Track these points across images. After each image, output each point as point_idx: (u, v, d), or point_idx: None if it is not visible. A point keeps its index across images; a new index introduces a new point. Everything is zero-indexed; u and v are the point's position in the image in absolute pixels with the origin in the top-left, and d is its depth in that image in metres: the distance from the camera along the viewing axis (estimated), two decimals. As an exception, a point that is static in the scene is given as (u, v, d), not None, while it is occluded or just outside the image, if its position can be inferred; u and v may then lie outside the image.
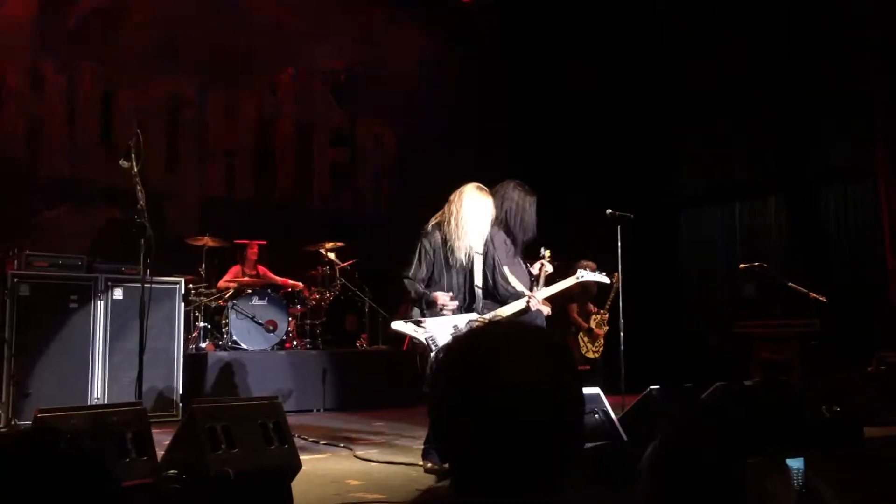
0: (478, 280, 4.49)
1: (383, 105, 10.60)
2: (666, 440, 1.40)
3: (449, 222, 4.42)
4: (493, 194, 4.83)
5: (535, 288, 4.73)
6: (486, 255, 4.54)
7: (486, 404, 1.11)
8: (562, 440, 1.14)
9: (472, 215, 4.40)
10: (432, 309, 4.35)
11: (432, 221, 4.52)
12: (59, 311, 6.04)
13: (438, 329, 4.34)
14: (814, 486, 2.63)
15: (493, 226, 4.72)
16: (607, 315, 7.75)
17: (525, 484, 1.11)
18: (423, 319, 4.37)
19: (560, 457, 1.13)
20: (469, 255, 4.45)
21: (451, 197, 4.49)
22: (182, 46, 9.17)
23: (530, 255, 4.95)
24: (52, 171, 8.30)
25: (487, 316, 4.43)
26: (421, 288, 4.39)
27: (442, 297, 4.33)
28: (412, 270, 4.40)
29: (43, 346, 5.93)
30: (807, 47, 8.66)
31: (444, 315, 4.36)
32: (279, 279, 8.23)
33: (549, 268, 4.83)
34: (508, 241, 4.79)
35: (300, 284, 8.26)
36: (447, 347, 1.22)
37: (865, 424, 4.74)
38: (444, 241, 4.42)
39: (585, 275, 4.72)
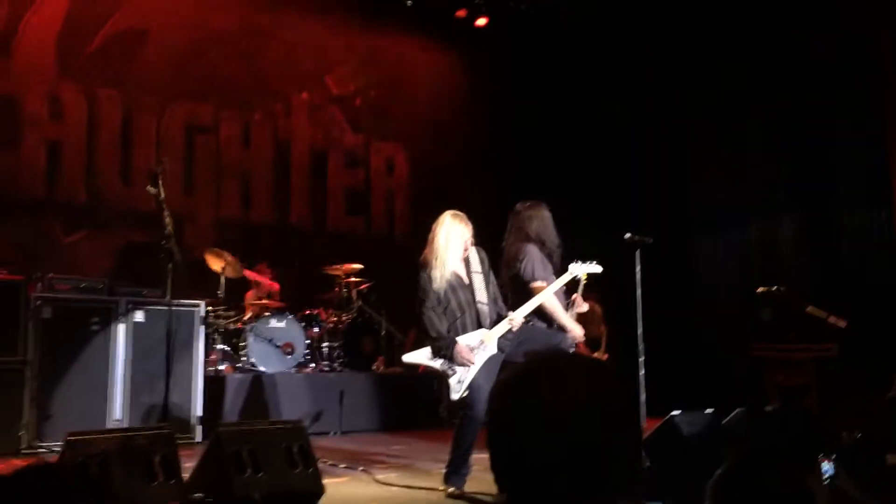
0: (480, 297, 4.57)
1: (397, 128, 10.71)
2: (734, 465, 1.44)
3: (431, 250, 4.57)
4: (512, 221, 4.92)
5: (570, 309, 4.81)
6: (485, 273, 4.66)
7: (546, 434, 1.15)
8: (619, 464, 1.18)
9: (445, 242, 4.54)
10: (452, 359, 4.40)
11: (424, 252, 4.64)
12: (80, 333, 6.08)
13: None
14: (843, 485, 2.66)
15: (527, 243, 4.81)
16: (606, 355, 7.80)
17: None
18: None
19: (617, 480, 1.17)
20: (456, 276, 4.55)
21: (433, 226, 4.64)
22: (198, 71, 9.31)
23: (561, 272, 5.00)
24: (70, 196, 8.39)
25: (478, 332, 4.48)
26: (443, 329, 4.46)
27: (466, 354, 4.40)
28: (427, 302, 4.49)
29: (64, 369, 5.98)
30: (826, 73, 8.71)
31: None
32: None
33: (583, 306, 4.90)
34: (544, 258, 4.86)
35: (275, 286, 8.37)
36: (505, 380, 1.26)
37: (887, 451, 4.72)
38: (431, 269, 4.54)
39: (576, 268, 4.77)
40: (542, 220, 4.95)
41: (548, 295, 4.66)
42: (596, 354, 7.60)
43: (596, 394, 1.19)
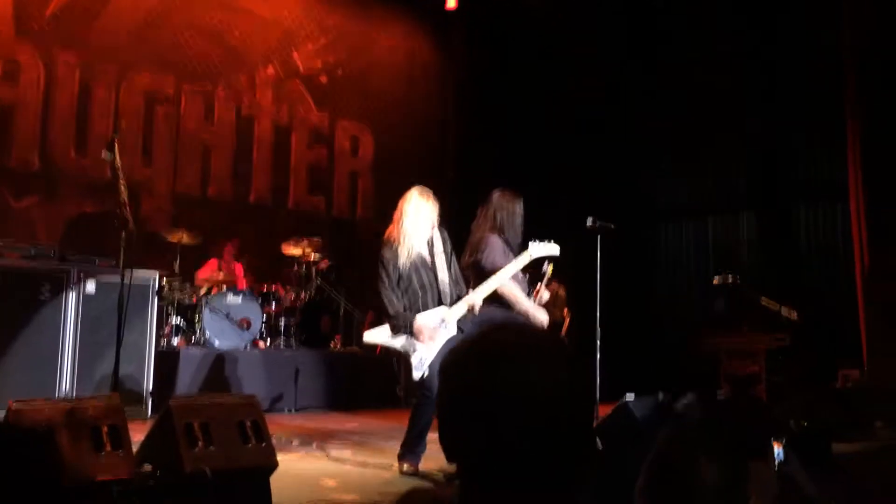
0: (442, 276, 4.57)
1: (363, 108, 10.62)
2: (664, 450, 1.43)
3: (396, 228, 4.53)
4: (485, 206, 4.91)
5: (531, 300, 4.81)
6: (447, 253, 4.64)
7: (497, 407, 1.11)
8: (571, 443, 1.15)
9: (413, 220, 4.52)
10: (411, 336, 4.39)
11: (389, 229, 4.60)
12: (29, 302, 5.91)
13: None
14: (791, 471, 2.70)
15: (489, 233, 4.80)
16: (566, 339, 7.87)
17: (534, 485, 1.12)
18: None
19: (569, 459, 1.14)
20: (419, 255, 4.52)
21: (399, 203, 4.59)
22: (161, 41, 9.10)
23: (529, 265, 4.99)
24: (22, 162, 8.16)
25: (439, 310, 4.48)
26: (400, 307, 4.44)
27: (427, 331, 4.38)
28: (387, 281, 4.45)
29: (11, 338, 5.81)
30: (783, 66, 8.84)
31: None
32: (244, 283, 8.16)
33: (545, 296, 4.91)
34: (506, 248, 4.86)
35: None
36: (456, 350, 1.22)
37: (833, 440, 4.82)
38: (398, 246, 4.51)
39: (536, 248, 4.78)
40: (511, 213, 4.94)
41: (506, 275, 4.65)
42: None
43: (554, 367, 1.16)
